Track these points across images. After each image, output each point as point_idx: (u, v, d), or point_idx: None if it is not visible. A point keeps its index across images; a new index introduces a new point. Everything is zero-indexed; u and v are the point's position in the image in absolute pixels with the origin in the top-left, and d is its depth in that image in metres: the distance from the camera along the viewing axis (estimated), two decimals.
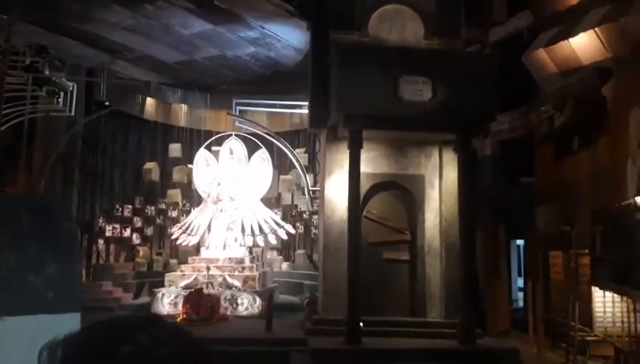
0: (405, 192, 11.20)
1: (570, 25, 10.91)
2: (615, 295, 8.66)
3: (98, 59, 15.48)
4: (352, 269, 9.54)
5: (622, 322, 8.20)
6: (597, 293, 9.48)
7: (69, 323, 1.37)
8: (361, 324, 9.27)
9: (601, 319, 9.53)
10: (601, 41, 10.16)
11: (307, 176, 16.35)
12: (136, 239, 17.30)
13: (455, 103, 9.96)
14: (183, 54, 15.73)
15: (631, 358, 7.58)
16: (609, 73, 9.87)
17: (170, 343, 0.75)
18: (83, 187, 15.85)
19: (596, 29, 10.07)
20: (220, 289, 13.28)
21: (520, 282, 14.90)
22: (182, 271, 14.34)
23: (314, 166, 17.32)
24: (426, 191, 11.15)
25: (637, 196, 7.42)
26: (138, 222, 17.40)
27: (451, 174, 10.90)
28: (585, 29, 10.33)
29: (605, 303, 9.44)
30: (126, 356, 0.72)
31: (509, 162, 13.40)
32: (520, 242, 14.67)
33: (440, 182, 11.14)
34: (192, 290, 12.57)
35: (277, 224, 16.15)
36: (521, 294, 14.43)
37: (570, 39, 10.70)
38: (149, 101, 18.13)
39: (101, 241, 16.49)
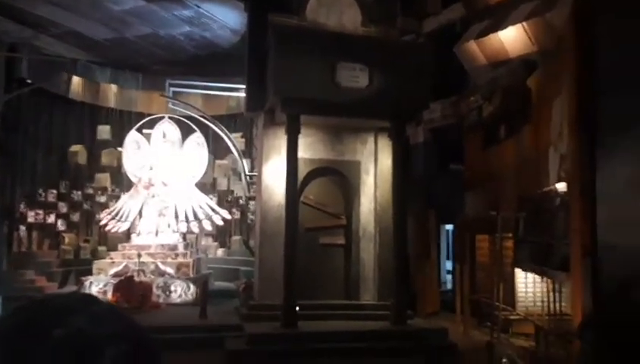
0: (341, 178, 11.30)
1: (500, 18, 11.35)
2: (535, 276, 9.18)
3: (20, 34, 14.46)
4: (289, 254, 9.55)
5: (542, 302, 8.72)
6: (519, 274, 10.03)
7: None
8: (297, 308, 9.31)
9: (523, 299, 10.11)
10: (528, 35, 10.64)
11: (244, 161, 16.14)
12: (61, 225, 16.45)
13: (390, 91, 10.13)
14: (114, 32, 15.00)
15: (549, 335, 8.08)
16: (534, 66, 10.37)
17: (106, 324, 0.71)
18: (2, 170, 14.82)
19: (523, 23, 10.54)
20: (152, 276, 12.91)
21: (449, 265, 15.51)
22: (111, 258, 13.80)
23: (251, 151, 17.13)
24: (362, 177, 11.31)
25: (557, 182, 7.87)
26: (63, 208, 16.54)
27: (386, 160, 11.12)
28: (513, 23, 10.78)
29: (527, 284, 10.01)
30: (59, 338, 0.65)
31: (440, 149, 13.86)
32: (449, 227, 15.24)
33: (375, 168, 11.32)
34: (123, 277, 12.14)
35: (213, 209, 15.85)
36: (449, 277, 15.03)
37: (499, 32, 11.14)
38: (76, 80, 17.19)
39: (22, 227, 15.54)
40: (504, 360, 7.48)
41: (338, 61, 9.98)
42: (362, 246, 11.11)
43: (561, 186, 7.64)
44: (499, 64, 11.40)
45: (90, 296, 0.78)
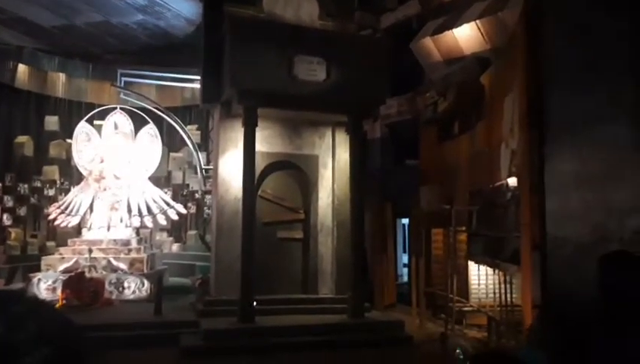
0: (299, 172, 11.28)
1: (455, 16, 11.54)
2: (488, 268, 9.44)
3: None
4: (246, 249, 9.47)
5: (494, 293, 8.97)
6: (472, 266, 10.29)
7: None
8: (254, 303, 9.25)
9: (476, 291, 10.38)
10: (481, 32, 10.87)
11: (199, 154, 15.85)
12: (6, 220, 15.72)
13: (348, 85, 10.15)
14: (62, 18, 14.38)
15: (501, 325, 8.34)
16: (487, 63, 10.60)
17: (26, 328, 0.65)
18: None
19: (477, 21, 10.76)
20: (104, 272, 12.53)
21: (405, 258, 15.76)
22: (61, 254, 13.28)
23: (207, 144, 16.83)
24: (320, 171, 11.32)
25: (508, 177, 8.10)
26: (9, 201, 15.81)
27: (343, 154, 11.16)
28: (467, 21, 10.99)
29: (479, 276, 10.28)
30: None
31: (396, 145, 14.02)
32: (405, 220, 15.47)
33: (332, 162, 11.35)
34: (73, 274, 11.71)
35: (167, 203, 15.49)
36: (406, 270, 15.28)
37: (454, 30, 11.33)
38: (22, 68, 16.40)
39: None
40: (458, 351, 7.66)
41: (295, 54, 9.92)
42: (320, 240, 11.13)
43: (512, 181, 7.86)
44: (454, 60, 11.60)
45: (10, 295, 0.72)
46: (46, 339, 0.66)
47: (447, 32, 11.51)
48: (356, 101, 10.41)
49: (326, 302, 10.44)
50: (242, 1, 10.60)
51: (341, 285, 10.63)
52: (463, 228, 9.90)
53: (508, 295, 8.21)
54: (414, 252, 11.27)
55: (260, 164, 10.48)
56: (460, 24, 11.14)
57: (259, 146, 10.16)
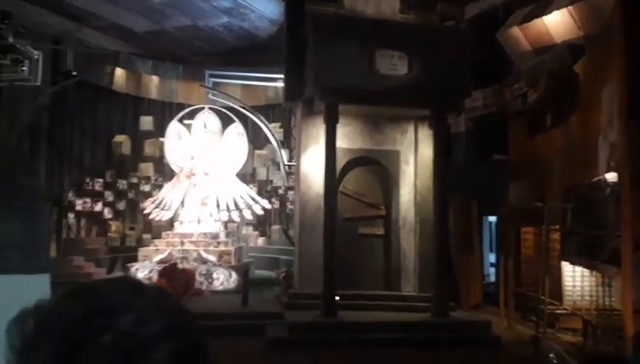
0: (380, 168, 11.21)
1: (544, 3, 10.94)
2: (584, 269, 8.88)
3: (64, 27, 14.87)
4: (328, 244, 9.56)
5: (591, 296, 8.44)
6: (566, 267, 9.72)
7: (36, 284, 1.28)
8: (337, 297, 9.32)
9: (570, 293, 9.80)
10: (574, 19, 10.23)
11: (282, 151, 16.20)
12: (107, 213, 16.96)
13: (430, 78, 9.96)
14: (154, 23, 15.25)
15: (598, 330, 7.81)
16: (581, 51, 9.97)
17: (152, 322, 0.65)
18: (50, 160, 15.34)
19: (569, 7, 10.13)
20: (195, 264, 13.18)
21: (492, 258, 15.19)
22: (156, 246, 14.16)
23: (289, 141, 17.16)
24: (401, 167, 11.19)
25: (607, 172, 7.56)
26: (109, 196, 17.04)
27: (426, 150, 10.95)
28: (558, 8, 10.39)
29: (574, 277, 9.69)
30: (107, 346, 0.61)
31: (482, 139, 13.52)
32: (492, 218, 14.90)
33: (415, 158, 11.17)
34: (167, 265, 12.44)
35: (253, 199, 16.02)
36: (493, 269, 14.73)
37: (544, 17, 10.76)
38: (119, 71, 17.58)
39: (71, 215, 16.10)
40: (551, 355, 7.27)
41: (377, 49, 9.87)
42: (402, 237, 11.02)
43: (611, 176, 7.33)
44: (544, 49, 11.03)
45: (136, 286, 0.72)
46: (172, 334, 0.65)
47: (537, 20, 10.94)
48: (440, 95, 10.17)
49: (409, 300, 10.32)
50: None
51: (425, 283, 10.45)
52: (556, 226, 9.38)
53: (606, 298, 7.68)
54: (502, 251, 10.84)
55: (341, 161, 10.54)
56: (551, 11, 10.55)
57: (340, 143, 10.21)
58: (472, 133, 13.50)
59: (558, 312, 9.57)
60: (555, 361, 7.30)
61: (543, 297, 8.99)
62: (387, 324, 9.17)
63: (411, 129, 11.24)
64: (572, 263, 9.06)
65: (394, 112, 10.86)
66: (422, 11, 11.10)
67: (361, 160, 11.11)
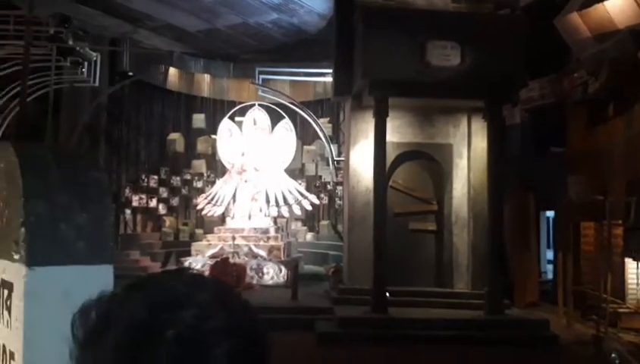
0: (432, 162, 11.02)
1: None
2: None
3: (120, 29, 15.41)
4: (378, 239, 9.47)
5: None
6: (630, 264, 9.26)
7: (101, 275, 1.31)
8: (387, 293, 9.24)
9: (634, 291, 9.34)
10: (638, 3, 9.71)
11: (331, 146, 16.21)
12: (162, 209, 17.50)
13: (484, 69, 9.69)
14: (205, 22, 15.55)
15: None
16: None
17: (215, 315, 0.63)
18: (108, 158, 15.99)
19: None
20: (246, 258, 13.41)
21: (549, 254, 14.67)
22: (208, 240, 14.50)
23: (338, 136, 17.15)
24: (454, 161, 10.96)
25: None
26: (164, 192, 17.56)
27: (480, 143, 10.68)
28: None
29: (638, 274, 9.22)
30: (171, 340, 0.61)
31: (538, 131, 13.04)
32: (550, 213, 14.38)
33: (468, 151, 10.91)
34: (219, 259, 12.72)
35: (302, 194, 16.14)
36: (550, 266, 14.22)
37: (605, 2, 10.26)
38: (172, 71, 18.07)
39: (128, 211, 16.71)
40: (613, 355, 6.95)
41: (428, 40, 9.68)
42: (454, 233, 10.79)
43: None
44: (605, 36, 10.50)
45: (196, 280, 0.69)
46: (233, 331, 0.63)
47: (598, 6, 10.44)
48: (494, 86, 9.86)
49: (462, 297, 10.09)
50: None
51: (478, 280, 10.18)
52: (619, 221, 8.93)
53: None
54: (561, 248, 10.43)
55: (391, 155, 10.42)
56: None
57: (390, 136, 10.10)
58: (528, 125, 13.04)
59: (620, 310, 9.13)
60: (617, 361, 6.98)
61: (604, 295, 8.59)
62: (439, 321, 8.99)
63: (464, 121, 10.98)
64: (636, 260, 8.61)
65: (447, 104, 10.63)
66: (476, 0, 10.81)
67: (412, 154, 10.95)
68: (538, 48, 10.91)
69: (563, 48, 11.85)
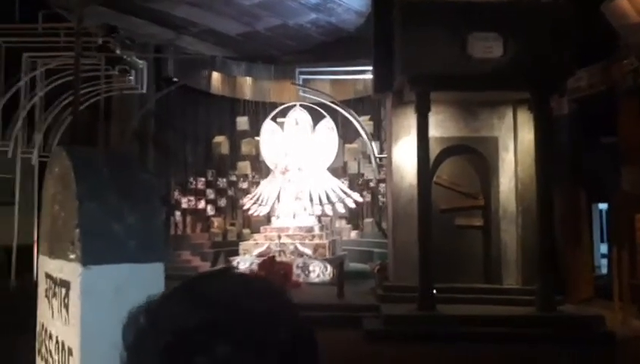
0: (477, 156, 10.81)
1: None
2: None
3: (164, 36, 15.84)
4: (423, 236, 9.36)
5: None
6: None
7: (152, 272, 1.35)
8: (434, 290, 9.12)
9: None
10: None
11: (373, 143, 16.12)
12: (210, 210, 17.87)
13: (529, 59, 9.45)
14: (245, 26, 15.77)
15: None
16: None
17: (264, 326, 0.63)
18: (157, 162, 16.45)
19: None
20: (292, 257, 13.52)
21: (603, 248, 14.09)
22: (255, 240, 14.71)
23: (379, 133, 17.04)
24: (500, 154, 10.74)
25: None
26: (211, 194, 17.92)
27: (527, 135, 10.42)
28: None
29: None
30: (218, 353, 0.61)
31: (588, 121, 12.53)
32: (603, 206, 13.81)
33: (515, 144, 10.68)
34: (266, 257, 12.89)
35: (345, 192, 16.13)
36: (604, 261, 13.66)
37: None
38: (215, 75, 18.41)
39: (177, 213, 17.15)
40: None
41: (469, 32, 9.49)
42: (502, 228, 10.55)
43: None
44: None
45: (246, 286, 0.69)
46: (275, 348, 0.63)
47: None
48: (540, 76, 9.56)
49: (512, 293, 9.86)
50: None
51: (528, 275, 9.92)
52: None
53: None
54: (615, 241, 10.00)
55: (434, 150, 10.28)
56: None
57: (433, 131, 9.96)
58: (577, 115, 12.55)
59: None
60: None
61: None
62: (488, 318, 8.78)
63: (509, 113, 10.74)
64: None
65: (491, 97, 10.41)
66: None
67: (456, 148, 10.77)
68: (585, 35, 10.49)
69: (611, 35, 11.34)
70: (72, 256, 1.42)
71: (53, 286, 1.58)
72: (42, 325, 1.71)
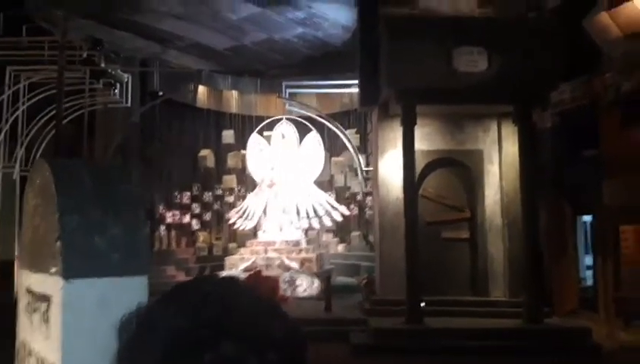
0: (463, 169, 10.89)
1: None
2: None
3: (150, 49, 15.80)
4: (410, 248, 9.36)
5: None
6: None
7: (135, 286, 1.32)
8: (422, 303, 9.11)
9: None
10: None
11: (359, 157, 16.18)
12: (195, 224, 17.73)
13: (512, 73, 9.57)
14: (232, 40, 15.81)
15: None
16: None
17: (257, 327, 0.63)
18: (142, 176, 16.31)
19: None
20: (278, 271, 13.44)
21: (588, 260, 14.21)
22: (241, 254, 14.62)
23: (366, 146, 17.12)
24: (485, 166, 10.84)
25: None
26: (196, 208, 17.79)
27: (511, 147, 10.54)
28: None
29: None
30: (214, 353, 0.60)
31: (570, 134, 12.71)
32: (587, 218, 13.95)
33: (499, 156, 10.80)
34: (252, 272, 12.80)
35: (332, 206, 16.13)
36: (589, 272, 13.78)
37: (635, 1, 9.99)
38: (201, 89, 18.39)
39: (162, 227, 16.99)
40: None
41: (454, 47, 9.62)
42: (489, 240, 10.62)
43: None
44: (636, 35, 10.22)
45: (239, 288, 0.69)
46: (274, 343, 0.63)
47: (627, 4, 10.17)
48: (523, 89, 9.71)
49: (498, 306, 9.90)
50: (397, 1, 10.58)
51: (515, 288, 9.98)
52: None
53: None
54: (600, 253, 10.11)
55: (420, 163, 10.35)
56: None
57: (419, 144, 10.03)
58: (559, 129, 12.72)
59: None
60: None
61: None
62: (476, 331, 8.78)
63: (494, 126, 10.87)
64: None
65: (476, 110, 10.54)
66: (502, 3, 10.69)
67: (442, 161, 10.85)
68: (568, 49, 10.69)
69: (593, 49, 11.57)
70: (53, 270, 1.39)
71: (34, 300, 1.55)
72: (22, 341, 1.67)
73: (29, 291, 1.61)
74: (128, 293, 1.25)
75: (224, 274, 13.53)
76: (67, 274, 1.31)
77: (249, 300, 0.67)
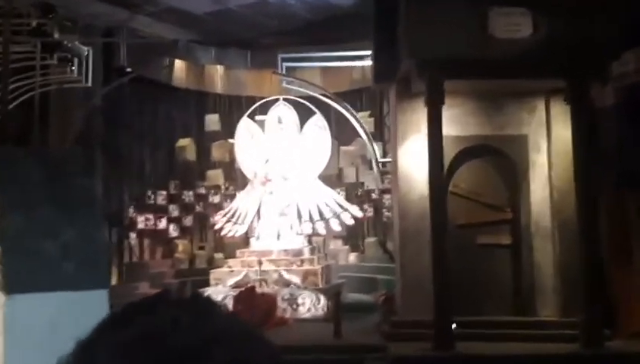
0: (502, 159, 10.99)
1: None
2: None
3: (115, 16, 15.81)
4: (438, 258, 9.47)
5: None
6: None
7: (94, 301, 1.32)
8: (453, 325, 9.18)
9: None
10: None
11: (374, 145, 16.19)
12: (173, 231, 17.80)
13: (564, 39, 9.65)
14: (215, 3, 15.82)
15: None
16: None
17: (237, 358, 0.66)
18: (107, 171, 16.34)
19: None
20: (276, 287, 13.49)
21: None
22: (229, 267, 14.67)
23: (382, 133, 17.13)
24: (530, 156, 10.96)
25: None
26: (174, 211, 17.86)
27: (562, 132, 10.61)
28: None
29: None
30: None
31: (636, 115, 12.71)
32: None
33: (548, 143, 10.91)
34: (243, 289, 12.84)
35: (341, 206, 16.15)
36: None
37: None
38: (178, 64, 18.43)
39: (133, 235, 17.06)
40: None
41: (490, 7, 9.70)
42: (535, 246, 10.72)
43: None
44: None
45: (203, 318, 0.70)
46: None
47: None
48: (578, 60, 9.77)
49: (548, 327, 10.04)
50: None
51: (569, 305, 10.09)
52: None
53: None
54: None
55: (450, 152, 10.44)
56: None
57: (448, 129, 10.12)
58: (624, 107, 12.72)
59: None
60: None
61: None
62: (520, 358, 8.94)
63: (541, 106, 10.96)
64: None
65: (518, 86, 10.61)
66: None
67: (476, 150, 10.92)
68: (632, 12, 10.69)
69: None
70: None
71: None
72: None
73: None
74: (85, 310, 1.25)
75: (208, 291, 13.60)
76: (10, 288, 1.31)
77: (225, 325, 0.68)
